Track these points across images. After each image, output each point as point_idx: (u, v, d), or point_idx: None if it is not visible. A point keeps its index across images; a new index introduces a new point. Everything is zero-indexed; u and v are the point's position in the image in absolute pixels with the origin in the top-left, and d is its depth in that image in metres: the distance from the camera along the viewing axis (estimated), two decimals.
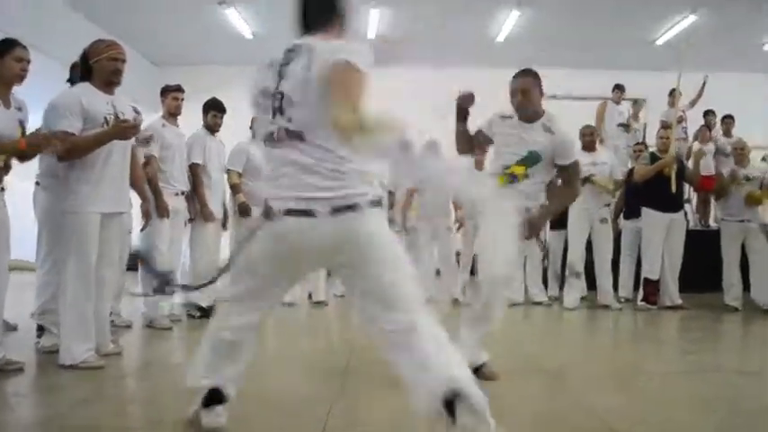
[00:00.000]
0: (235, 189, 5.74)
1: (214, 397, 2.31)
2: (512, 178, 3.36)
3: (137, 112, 3.78)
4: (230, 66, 10.93)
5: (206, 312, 5.29)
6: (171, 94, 5.14)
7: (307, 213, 2.00)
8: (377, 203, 2.08)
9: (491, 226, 3.14)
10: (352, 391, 2.88)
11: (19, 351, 3.83)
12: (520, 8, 8.97)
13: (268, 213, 2.08)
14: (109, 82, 3.48)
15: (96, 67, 3.44)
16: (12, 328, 4.41)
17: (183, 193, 5.15)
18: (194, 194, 5.31)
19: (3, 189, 3.87)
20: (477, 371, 2.97)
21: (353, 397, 2.81)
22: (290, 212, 2.03)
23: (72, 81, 4.09)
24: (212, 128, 5.49)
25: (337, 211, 1.99)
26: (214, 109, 5.49)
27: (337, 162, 2.02)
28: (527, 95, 3.45)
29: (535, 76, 3.56)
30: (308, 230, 2.01)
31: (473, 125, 3.54)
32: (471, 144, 3.60)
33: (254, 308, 2.26)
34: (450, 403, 1.87)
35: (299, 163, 2.04)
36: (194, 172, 5.27)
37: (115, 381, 3.32)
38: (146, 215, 4.25)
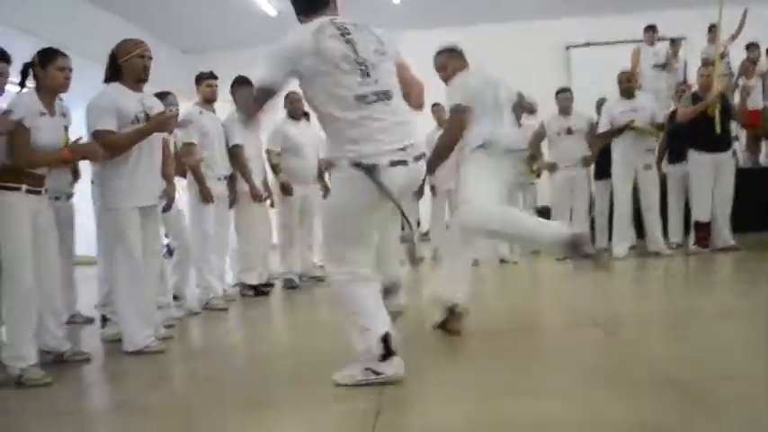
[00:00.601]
0: (275, 169, 5.80)
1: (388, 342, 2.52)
2: None
3: (165, 97, 3.84)
4: (257, 46, 11.01)
5: (258, 291, 5.44)
6: (205, 82, 5.20)
7: (402, 162, 2.49)
8: None
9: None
10: (404, 361, 2.93)
11: (85, 342, 4.04)
12: None
13: (368, 168, 2.45)
14: (138, 79, 3.56)
15: (125, 66, 3.51)
16: (88, 320, 4.64)
17: (225, 178, 5.25)
18: (235, 177, 5.39)
19: (69, 196, 4.04)
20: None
21: (405, 367, 2.85)
22: (392, 164, 2.47)
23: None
24: (209, 99, 5.36)
25: (417, 159, 2.57)
26: (241, 84, 5.49)
27: (409, 119, 2.63)
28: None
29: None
30: (404, 175, 2.52)
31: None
32: None
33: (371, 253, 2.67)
34: None
35: (392, 119, 2.52)
36: (236, 153, 5.31)
37: (179, 363, 3.46)
38: (169, 197, 4.31)
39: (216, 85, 5.23)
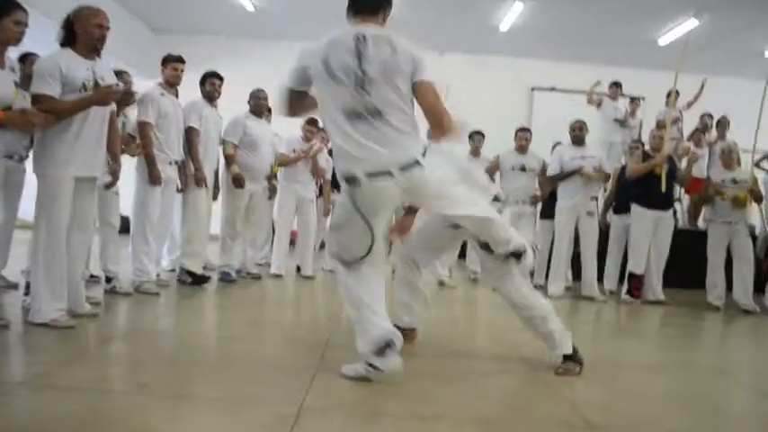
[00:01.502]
0: (229, 160, 5.76)
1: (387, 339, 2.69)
2: None
3: (119, 76, 3.78)
4: (229, 38, 10.93)
5: (197, 278, 5.34)
6: (171, 65, 5.12)
7: (385, 174, 2.60)
8: None
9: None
10: (334, 365, 2.92)
11: (6, 308, 3.89)
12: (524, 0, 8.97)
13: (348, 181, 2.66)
14: (93, 48, 3.51)
15: (81, 33, 3.46)
16: (12, 285, 4.47)
17: (176, 163, 5.17)
18: (187, 162, 5.32)
19: (23, 158, 3.93)
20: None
21: (334, 370, 2.85)
22: (370, 176, 2.60)
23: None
24: (211, 96, 5.50)
25: (405, 168, 2.63)
26: (213, 76, 5.51)
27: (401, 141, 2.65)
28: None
29: None
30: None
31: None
32: None
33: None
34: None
35: (371, 142, 2.60)
36: (190, 136, 5.28)
37: (99, 343, 3.36)
38: (113, 175, 4.27)
39: (182, 70, 5.15)
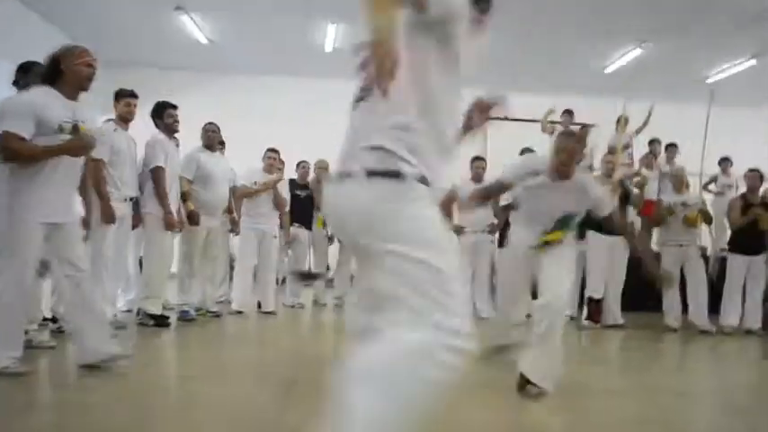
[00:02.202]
0: (185, 196, 5.65)
1: None
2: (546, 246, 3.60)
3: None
4: (184, 70, 10.85)
5: (159, 321, 5.19)
6: (124, 100, 5.05)
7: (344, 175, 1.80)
8: None
9: (554, 258, 3.51)
10: (302, 402, 2.86)
11: None
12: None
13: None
14: (79, 87, 3.41)
15: (68, 72, 3.35)
16: None
17: (131, 200, 5.06)
18: (143, 200, 5.21)
19: None
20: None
21: (301, 410, 2.79)
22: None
23: (18, 83, 4.01)
24: (171, 128, 5.40)
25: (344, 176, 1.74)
26: (168, 107, 5.42)
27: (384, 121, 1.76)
28: (572, 157, 3.54)
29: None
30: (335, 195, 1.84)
31: None
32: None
33: None
34: None
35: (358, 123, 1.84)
36: (156, 176, 5.17)
37: (56, 388, 3.22)
38: (85, 225, 4.13)
39: (135, 105, 5.09)
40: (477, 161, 7.07)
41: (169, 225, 5.18)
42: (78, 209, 3.92)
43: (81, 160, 3.53)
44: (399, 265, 1.56)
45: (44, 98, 3.30)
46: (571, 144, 3.56)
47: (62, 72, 3.35)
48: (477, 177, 6.97)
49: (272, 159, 6.53)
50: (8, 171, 3.31)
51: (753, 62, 9.77)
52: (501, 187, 3.73)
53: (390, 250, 1.57)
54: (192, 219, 5.60)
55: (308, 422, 2.57)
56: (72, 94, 3.40)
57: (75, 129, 3.33)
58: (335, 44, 9.65)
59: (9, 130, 3.19)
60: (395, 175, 1.64)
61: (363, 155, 1.68)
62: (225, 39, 9.73)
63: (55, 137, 3.27)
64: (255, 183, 6.39)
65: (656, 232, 7.24)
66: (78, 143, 3.33)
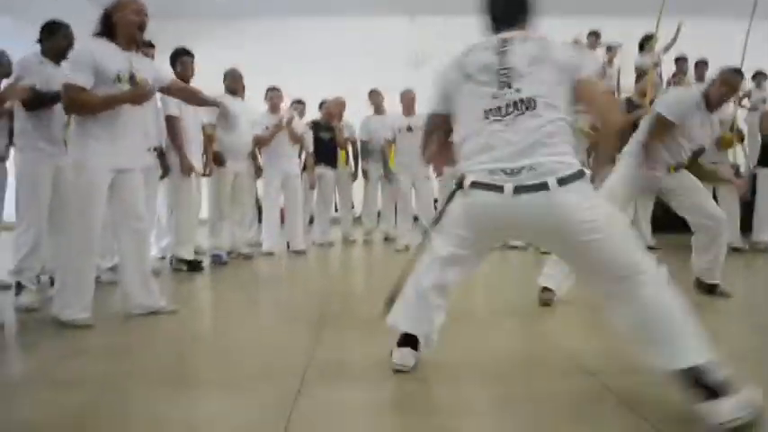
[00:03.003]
0: (210, 139, 5.69)
1: (408, 340, 2.49)
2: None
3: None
4: (200, 18, 10.72)
5: (192, 265, 5.32)
6: (141, 50, 4.99)
7: (494, 188, 2.14)
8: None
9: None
10: (331, 339, 2.94)
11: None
12: None
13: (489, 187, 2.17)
14: (132, 37, 3.41)
15: (121, 22, 3.35)
16: (4, 287, 4.40)
17: (155, 149, 5.10)
18: (168, 149, 5.25)
19: (3, 159, 3.86)
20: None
21: (331, 345, 2.87)
22: (475, 185, 2.20)
23: (42, 42, 4.04)
24: (184, 77, 5.39)
25: (563, 182, 2.07)
26: (184, 55, 5.38)
27: (546, 139, 2.14)
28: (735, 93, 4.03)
29: None
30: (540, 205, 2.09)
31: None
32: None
33: (463, 270, 2.46)
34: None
35: (513, 137, 2.15)
36: (171, 125, 5.19)
37: (97, 336, 3.34)
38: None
39: (152, 55, 5.14)
40: None
41: (186, 170, 5.23)
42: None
43: (143, 110, 3.55)
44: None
45: (102, 49, 3.31)
46: (738, 81, 3.86)
47: (114, 24, 3.36)
48: None
49: (276, 99, 6.51)
50: (74, 124, 3.38)
51: None
52: (667, 126, 3.82)
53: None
54: (218, 160, 5.67)
55: (338, 357, 2.67)
56: (127, 45, 3.40)
57: (131, 78, 3.35)
58: None
59: (69, 81, 3.24)
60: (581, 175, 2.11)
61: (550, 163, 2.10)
62: None
63: (113, 87, 3.29)
64: (267, 128, 6.39)
65: None
66: (138, 92, 3.36)
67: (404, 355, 2.47)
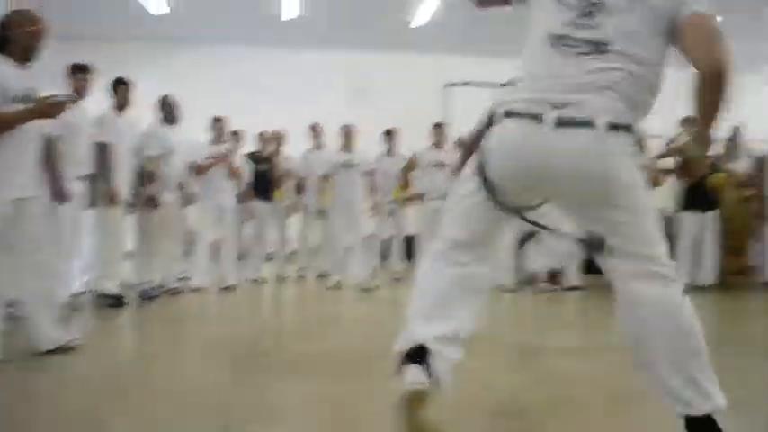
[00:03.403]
0: (151, 177, 5.55)
1: (415, 355, 1.92)
2: None
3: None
4: (139, 42, 10.52)
5: (118, 300, 5.13)
6: (78, 74, 4.95)
7: (532, 117, 1.82)
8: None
9: None
10: (256, 379, 2.87)
11: None
12: None
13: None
14: (28, 56, 3.29)
15: (16, 39, 3.23)
16: None
17: (85, 177, 4.96)
18: (97, 177, 5.11)
19: None
20: None
21: (256, 385, 2.80)
22: (509, 114, 1.88)
23: None
24: (121, 105, 5.31)
25: (614, 128, 1.79)
26: (120, 83, 5.32)
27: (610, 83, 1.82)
28: None
29: None
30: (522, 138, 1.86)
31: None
32: None
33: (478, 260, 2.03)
34: None
35: (574, 77, 1.83)
36: (104, 151, 5.08)
37: (3, 374, 3.15)
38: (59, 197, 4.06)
39: (89, 80, 4.99)
40: (437, 128, 7.10)
41: (112, 198, 5.10)
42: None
43: (37, 133, 3.41)
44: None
45: (2, 67, 3.18)
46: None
47: (9, 39, 3.23)
48: (438, 144, 7.00)
49: (219, 130, 6.45)
50: None
51: None
52: None
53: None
54: (151, 202, 5.52)
55: (264, 397, 2.59)
56: (22, 63, 3.28)
57: (28, 97, 3.22)
58: (293, 13, 9.48)
59: None
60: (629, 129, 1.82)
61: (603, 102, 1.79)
62: (179, 8, 9.47)
63: (11, 107, 3.14)
64: (207, 158, 6.30)
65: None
66: (50, 104, 3.21)
67: (414, 373, 1.89)
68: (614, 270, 1.87)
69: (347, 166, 6.67)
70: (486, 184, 1.91)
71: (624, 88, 1.81)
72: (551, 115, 1.78)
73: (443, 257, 2.01)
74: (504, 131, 1.88)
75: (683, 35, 1.83)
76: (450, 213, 2.04)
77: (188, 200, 6.22)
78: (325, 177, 6.86)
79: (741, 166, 7.30)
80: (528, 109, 1.83)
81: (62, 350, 3.40)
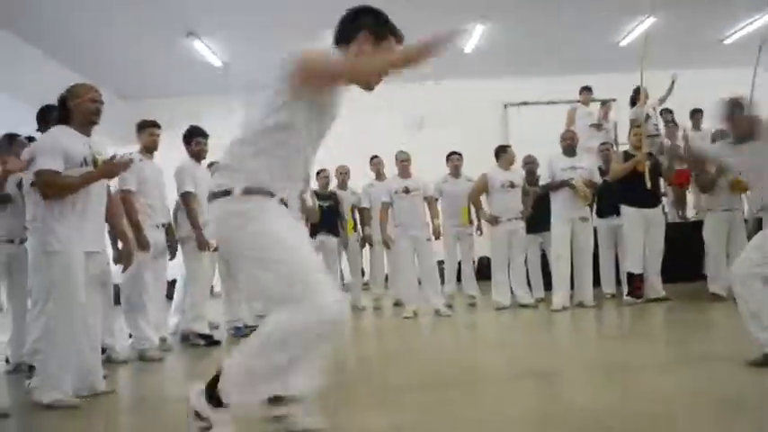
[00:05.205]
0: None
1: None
2: None
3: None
4: (200, 95, 10.96)
5: (210, 340, 5.29)
6: (148, 130, 5.17)
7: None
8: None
9: None
10: (345, 411, 2.87)
11: (11, 392, 3.79)
12: (484, 22, 9.09)
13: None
14: (89, 123, 3.57)
15: (76, 109, 3.52)
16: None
17: (163, 226, 5.17)
18: (176, 225, 5.35)
19: (23, 241, 4.20)
20: None
21: (344, 417, 2.80)
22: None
23: (40, 125, 4.19)
24: (198, 155, 5.49)
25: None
26: (198, 135, 5.49)
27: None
28: None
29: None
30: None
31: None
32: None
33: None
34: None
35: None
36: (186, 201, 5.27)
37: (105, 419, 3.28)
38: (127, 255, 4.06)
39: (158, 135, 5.19)
40: (454, 155, 7.18)
41: (201, 245, 5.25)
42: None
43: (105, 192, 3.69)
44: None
45: (66, 135, 3.48)
46: None
47: (70, 111, 3.53)
48: (455, 171, 7.12)
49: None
50: (41, 211, 3.46)
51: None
52: None
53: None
54: (204, 245, 5.58)
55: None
56: (84, 130, 3.56)
57: (94, 161, 3.51)
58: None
59: (44, 167, 3.37)
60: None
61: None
62: (236, 60, 9.83)
63: (80, 170, 3.43)
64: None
65: (695, 199, 6.98)
66: (110, 166, 3.55)
67: None
68: None
69: (407, 191, 6.68)
70: None
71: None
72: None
73: None
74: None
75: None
76: None
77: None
78: (386, 206, 6.84)
79: None
80: None
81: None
